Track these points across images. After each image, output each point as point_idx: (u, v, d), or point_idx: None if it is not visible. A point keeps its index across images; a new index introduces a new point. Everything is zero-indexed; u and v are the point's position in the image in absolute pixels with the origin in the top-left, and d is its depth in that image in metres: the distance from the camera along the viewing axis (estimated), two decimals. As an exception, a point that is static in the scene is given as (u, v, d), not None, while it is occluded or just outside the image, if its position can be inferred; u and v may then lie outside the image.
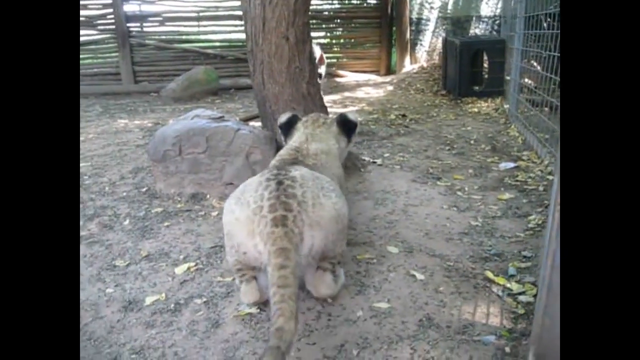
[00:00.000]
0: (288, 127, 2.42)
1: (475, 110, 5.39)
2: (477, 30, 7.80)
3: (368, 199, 2.90)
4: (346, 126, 2.39)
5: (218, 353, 1.66)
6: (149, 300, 1.99)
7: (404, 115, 5.12)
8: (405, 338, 1.68)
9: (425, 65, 7.81)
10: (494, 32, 7.64)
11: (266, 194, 1.71)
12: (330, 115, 2.43)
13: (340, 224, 1.81)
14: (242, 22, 3.29)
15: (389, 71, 7.96)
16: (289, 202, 1.68)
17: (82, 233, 2.61)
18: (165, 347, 1.70)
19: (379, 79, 7.65)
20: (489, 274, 2.06)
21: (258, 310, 1.88)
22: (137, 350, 1.70)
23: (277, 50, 3.04)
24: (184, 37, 7.61)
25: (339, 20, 8.02)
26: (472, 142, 4.12)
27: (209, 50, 7.45)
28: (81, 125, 5.10)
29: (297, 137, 2.33)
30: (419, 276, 2.06)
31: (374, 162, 3.53)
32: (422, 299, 1.91)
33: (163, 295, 2.02)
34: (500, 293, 1.93)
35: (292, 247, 1.60)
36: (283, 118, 2.45)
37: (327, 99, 5.28)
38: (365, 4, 8.01)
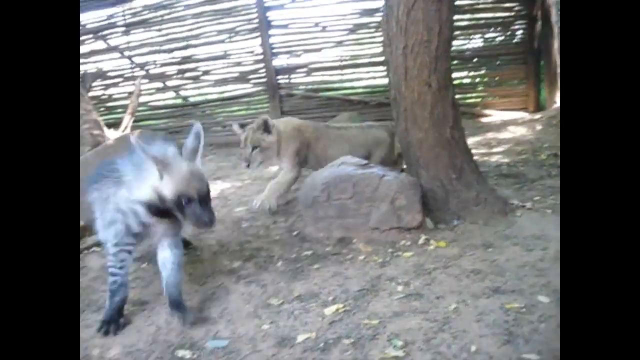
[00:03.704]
0: None
1: (638, 146, 4.96)
2: (636, 59, 7.22)
3: (517, 245, 2.81)
4: None
5: (367, 395, 1.72)
6: (300, 338, 2.12)
7: (555, 155, 4.87)
8: (561, 394, 1.60)
9: (577, 100, 7.37)
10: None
11: None
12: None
13: None
14: (383, 68, 3.44)
15: (538, 108, 7.61)
16: None
17: (240, 272, 2.85)
18: (317, 386, 1.80)
19: (527, 116, 7.35)
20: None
21: (404, 353, 1.91)
22: (292, 387, 1.82)
23: (419, 97, 3.11)
24: (328, 85, 8.00)
25: (482, 59, 7.91)
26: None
27: (353, 97, 7.75)
28: (238, 171, 5.56)
29: None
30: (576, 328, 1.95)
31: (523, 206, 3.40)
32: (580, 353, 1.81)
33: (313, 334, 2.13)
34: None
35: None
36: None
37: (471, 141, 5.22)
38: (510, 41, 7.80)
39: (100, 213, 2.41)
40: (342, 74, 8.00)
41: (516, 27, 7.69)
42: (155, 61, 7.96)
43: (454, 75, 7.62)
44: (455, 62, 7.58)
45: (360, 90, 7.98)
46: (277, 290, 2.59)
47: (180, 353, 2.11)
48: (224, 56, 7.85)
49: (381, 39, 3.69)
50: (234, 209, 4.06)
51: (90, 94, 7.10)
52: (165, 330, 2.31)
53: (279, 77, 7.79)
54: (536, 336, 1.94)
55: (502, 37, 7.91)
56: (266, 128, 3.77)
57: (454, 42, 7.67)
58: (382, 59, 6.31)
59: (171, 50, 7.91)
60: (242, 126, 4.01)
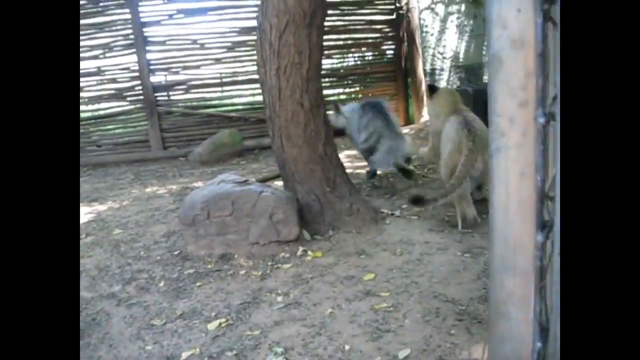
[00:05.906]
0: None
1: (491, 156, 5.52)
2: (490, 77, 8.01)
3: (386, 250, 3.06)
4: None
5: (248, 401, 1.82)
6: (184, 355, 2.17)
7: (421, 166, 5.29)
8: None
9: (441, 114, 8.01)
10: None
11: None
12: None
13: None
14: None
15: (408, 122, 8.19)
16: None
17: (121, 295, 2.82)
18: (201, 398, 1.87)
19: (398, 130, 7.86)
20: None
21: (284, 358, 2.04)
22: (176, 402, 1.87)
23: (293, 115, 3.29)
24: (208, 102, 8.01)
25: (355, 77, 8.34)
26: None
27: (233, 114, 7.82)
28: (115, 192, 5.41)
29: None
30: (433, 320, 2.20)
31: (392, 214, 3.69)
32: (435, 341, 2.05)
33: (197, 350, 2.19)
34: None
35: None
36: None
37: (346, 153, 5.52)
38: (381, 60, 8.32)
39: None
40: (221, 91, 8.04)
41: (386, 47, 8.24)
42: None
43: (331, 92, 8.00)
44: (331, 79, 7.96)
45: (240, 107, 8.07)
46: (160, 311, 2.61)
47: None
48: (98, 72, 7.58)
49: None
50: (112, 231, 3.97)
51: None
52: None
53: (157, 94, 7.66)
54: (402, 330, 2.16)
55: (374, 57, 8.44)
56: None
57: (330, 61, 8.07)
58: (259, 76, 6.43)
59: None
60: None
